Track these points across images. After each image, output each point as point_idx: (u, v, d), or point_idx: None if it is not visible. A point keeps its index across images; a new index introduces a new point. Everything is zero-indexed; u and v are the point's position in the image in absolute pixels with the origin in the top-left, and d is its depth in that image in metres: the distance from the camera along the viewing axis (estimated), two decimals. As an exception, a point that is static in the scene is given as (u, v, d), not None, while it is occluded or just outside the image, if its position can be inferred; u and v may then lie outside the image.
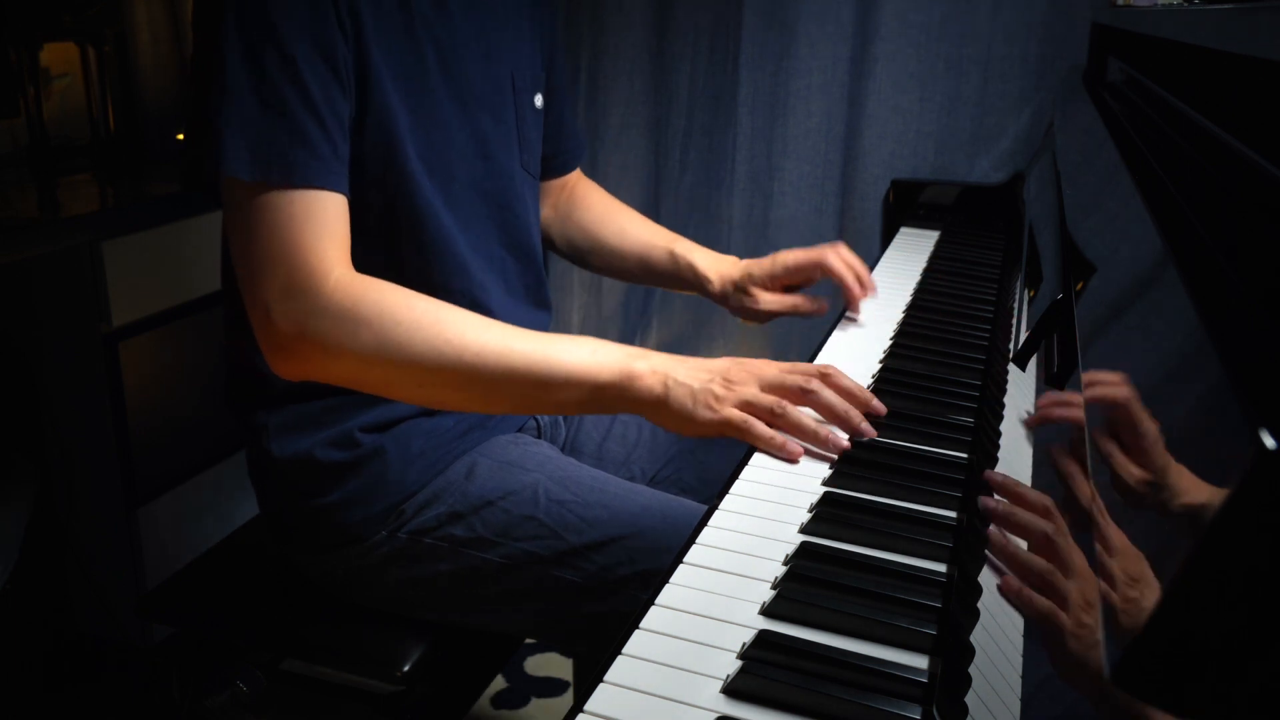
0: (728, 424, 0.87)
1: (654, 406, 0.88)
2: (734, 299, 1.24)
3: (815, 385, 0.89)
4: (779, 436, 0.87)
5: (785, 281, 1.24)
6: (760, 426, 0.87)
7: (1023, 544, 0.61)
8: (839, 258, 1.23)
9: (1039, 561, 0.56)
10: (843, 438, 0.88)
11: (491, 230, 1.09)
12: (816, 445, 0.88)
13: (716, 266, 1.26)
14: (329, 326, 0.86)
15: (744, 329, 2.21)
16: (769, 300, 1.23)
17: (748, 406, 0.87)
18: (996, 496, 0.69)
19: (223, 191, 0.89)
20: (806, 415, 0.89)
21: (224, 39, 0.86)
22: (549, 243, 1.33)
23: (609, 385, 0.88)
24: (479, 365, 0.88)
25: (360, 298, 0.87)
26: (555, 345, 0.89)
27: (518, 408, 0.98)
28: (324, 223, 0.88)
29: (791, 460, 0.86)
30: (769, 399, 0.88)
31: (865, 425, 0.90)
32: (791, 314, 1.24)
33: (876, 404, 0.92)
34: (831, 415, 0.90)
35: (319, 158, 0.88)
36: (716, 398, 0.87)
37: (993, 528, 0.65)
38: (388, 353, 0.87)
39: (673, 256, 1.27)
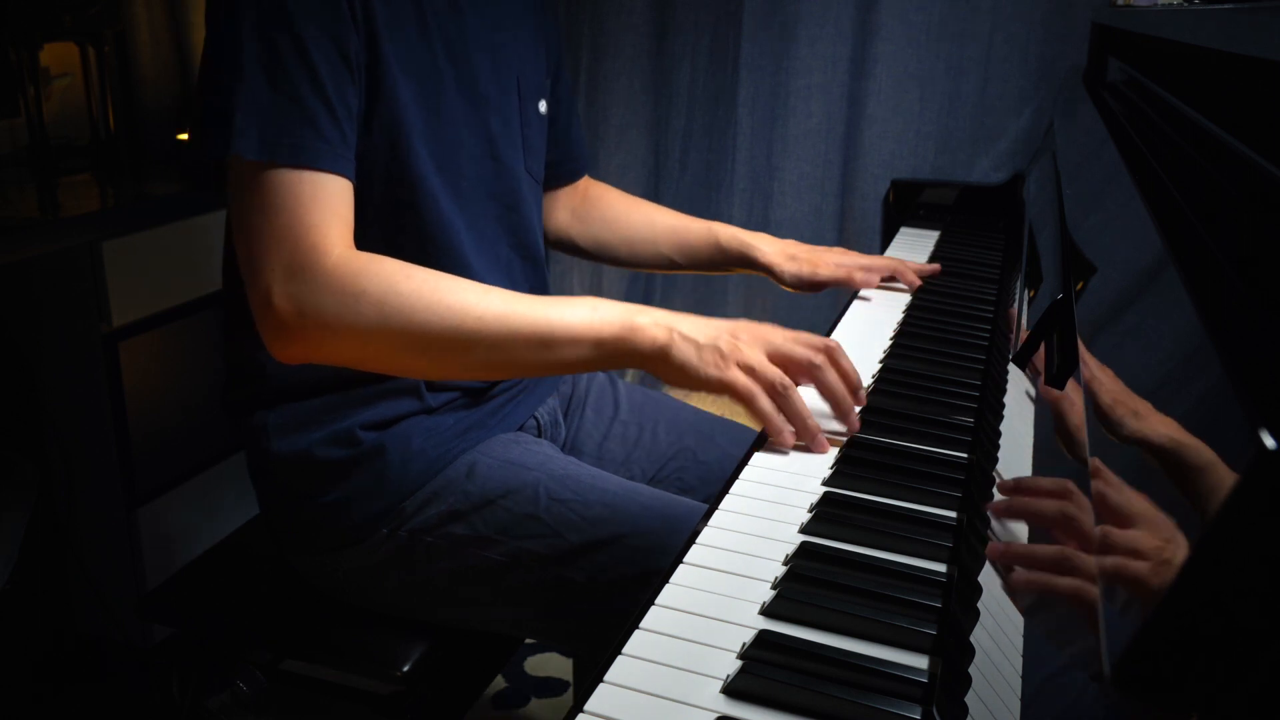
0: (732, 386, 0.87)
1: (657, 358, 0.89)
2: (789, 265, 1.28)
3: (822, 362, 0.90)
4: (780, 419, 0.88)
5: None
6: (765, 400, 0.87)
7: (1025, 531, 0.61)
8: (911, 270, 1.37)
9: (1052, 548, 0.54)
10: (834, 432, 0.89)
11: (500, 231, 1.09)
12: (805, 439, 0.89)
13: (761, 236, 1.31)
14: (330, 303, 0.86)
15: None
16: (828, 268, 1.30)
17: (751, 372, 0.88)
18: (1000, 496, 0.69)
19: (229, 173, 0.89)
20: (806, 406, 0.89)
21: (239, 23, 0.87)
22: (572, 247, 1.34)
23: (612, 340, 0.89)
24: (481, 329, 0.88)
25: (360, 271, 0.87)
26: (556, 305, 0.90)
27: (523, 370, 0.97)
28: (328, 204, 0.88)
29: (783, 448, 0.88)
30: (774, 372, 0.88)
31: (855, 418, 0.90)
32: (845, 284, 1.33)
33: (861, 394, 0.94)
34: (831, 398, 0.91)
35: (326, 140, 0.88)
36: (722, 354, 0.88)
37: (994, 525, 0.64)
38: (390, 324, 0.87)
39: (712, 230, 1.30)
